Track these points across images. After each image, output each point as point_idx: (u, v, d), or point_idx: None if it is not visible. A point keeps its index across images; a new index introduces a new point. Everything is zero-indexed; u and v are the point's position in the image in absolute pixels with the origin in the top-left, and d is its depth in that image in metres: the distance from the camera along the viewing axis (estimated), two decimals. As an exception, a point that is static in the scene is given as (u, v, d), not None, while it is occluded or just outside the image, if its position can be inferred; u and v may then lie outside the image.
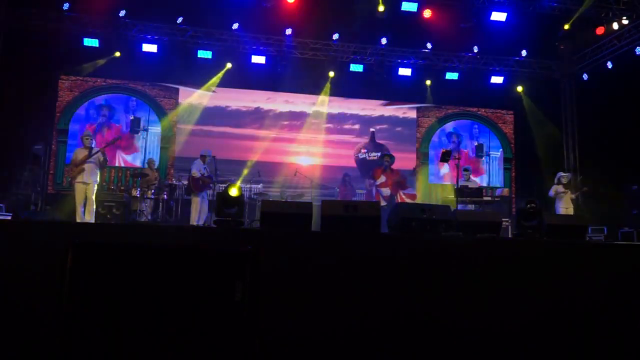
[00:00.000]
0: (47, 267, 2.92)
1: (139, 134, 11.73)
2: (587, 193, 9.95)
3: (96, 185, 8.28)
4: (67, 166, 8.37)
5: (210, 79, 11.96)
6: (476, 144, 12.72)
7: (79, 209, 8.05)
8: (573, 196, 9.48)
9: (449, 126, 13.25)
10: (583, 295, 3.89)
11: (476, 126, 13.29)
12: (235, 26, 10.97)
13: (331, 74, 12.12)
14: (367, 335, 3.54)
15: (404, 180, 10.10)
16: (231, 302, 2.17)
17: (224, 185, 9.17)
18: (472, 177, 10.08)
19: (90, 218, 8.00)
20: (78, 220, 7.88)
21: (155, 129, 11.95)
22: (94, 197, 8.16)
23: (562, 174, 9.68)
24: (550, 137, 12.54)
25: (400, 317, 3.62)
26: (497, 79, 12.49)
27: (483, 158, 12.90)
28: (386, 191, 10.03)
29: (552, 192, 9.45)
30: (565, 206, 9.33)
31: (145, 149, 11.85)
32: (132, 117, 11.74)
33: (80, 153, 8.24)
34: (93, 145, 8.36)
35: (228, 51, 11.60)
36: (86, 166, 8.08)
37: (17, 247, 3.51)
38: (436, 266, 3.85)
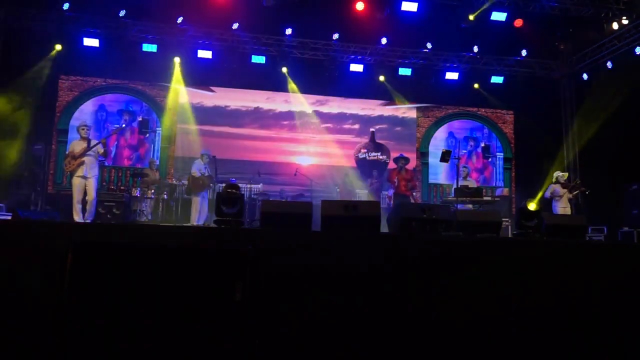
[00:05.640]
0: (47, 267, 2.92)
1: (147, 135, 11.74)
2: (586, 193, 9.94)
3: (97, 181, 7.83)
4: (65, 160, 7.91)
5: (210, 78, 11.97)
6: (483, 144, 12.76)
7: (77, 206, 7.55)
8: (571, 196, 9.49)
9: (462, 131, 13.27)
10: (583, 295, 3.89)
11: (486, 129, 13.32)
12: (235, 26, 10.97)
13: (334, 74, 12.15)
14: (367, 335, 3.54)
15: (414, 182, 10.02)
16: (231, 302, 2.17)
17: (224, 185, 9.16)
18: (470, 178, 10.05)
19: (88, 217, 7.60)
20: (75, 217, 7.53)
21: (156, 129, 11.97)
22: (94, 193, 7.70)
23: (559, 173, 9.69)
24: (550, 137, 12.55)
25: (400, 316, 3.62)
26: (497, 79, 12.50)
27: (490, 159, 12.92)
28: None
29: (547, 194, 9.47)
30: (563, 206, 9.34)
31: (146, 149, 11.86)
32: (140, 119, 11.74)
33: (78, 145, 7.74)
34: (90, 137, 7.86)
35: (228, 51, 11.61)
36: (85, 159, 7.60)
37: (17, 247, 3.51)
38: (436, 266, 3.85)
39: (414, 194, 10.10)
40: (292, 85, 12.13)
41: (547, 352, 3.69)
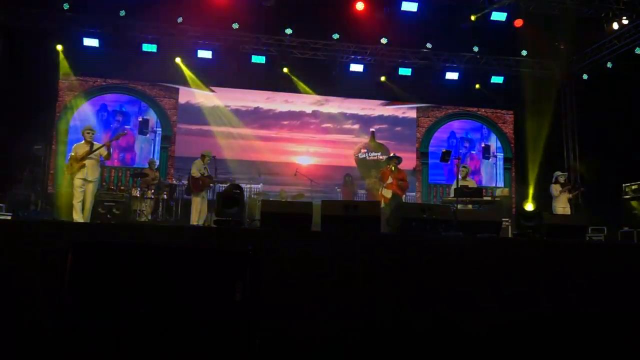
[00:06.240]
0: (47, 267, 2.92)
1: (147, 135, 11.73)
2: (586, 193, 9.94)
3: (96, 185, 7.95)
4: (68, 162, 7.97)
5: (210, 78, 11.97)
6: (483, 145, 12.75)
7: (77, 206, 7.62)
8: (570, 196, 9.49)
9: (461, 131, 13.26)
10: (583, 295, 3.89)
11: (485, 129, 13.32)
12: (235, 26, 10.97)
13: (333, 74, 12.12)
14: (367, 335, 3.54)
15: (405, 183, 9.91)
16: (231, 302, 2.17)
17: (224, 185, 9.17)
18: (470, 177, 10.01)
19: (87, 217, 7.68)
20: (76, 218, 7.58)
21: (156, 129, 11.98)
22: (93, 196, 7.83)
23: (559, 173, 9.70)
24: (550, 137, 12.54)
25: (400, 316, 3.62)
26: (497, 79, 12.49)
27: (490, 160, 12.93)
28: (388, 193, 9.87)
29: (555, 191, 9.45)
30: (562, 206, 9.34)
31: (145, 149, 11.86)
32: (140, 119, 11.73)
33: (81, 148, 7.77)
34: (94, 141, 7.92)
35: (228, 51, 11.60)
36: (87, 162, 7.67)
37: (17, 247, 3.51)
38: (436, 266, 3.85)
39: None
40: (294, 84, 12.13)
41: (547, 352, 3.69)
